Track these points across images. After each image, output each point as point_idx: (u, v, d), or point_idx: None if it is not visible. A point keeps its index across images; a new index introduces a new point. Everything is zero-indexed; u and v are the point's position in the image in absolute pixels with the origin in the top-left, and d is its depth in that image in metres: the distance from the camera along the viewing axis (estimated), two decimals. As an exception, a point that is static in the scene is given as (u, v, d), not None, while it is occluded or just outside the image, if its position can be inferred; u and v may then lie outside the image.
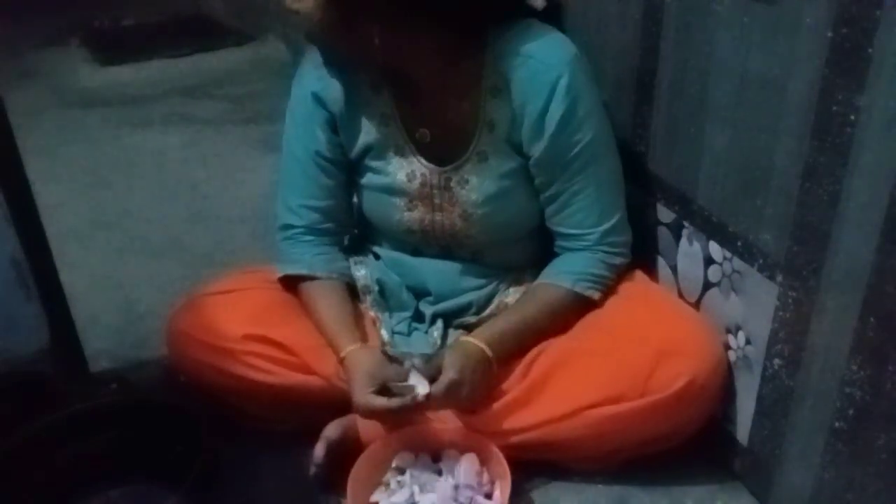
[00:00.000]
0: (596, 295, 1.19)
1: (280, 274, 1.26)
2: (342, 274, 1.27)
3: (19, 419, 1.15)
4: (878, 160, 0.81)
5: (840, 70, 0.84)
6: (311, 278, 1.24)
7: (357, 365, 1.11)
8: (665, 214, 1.22)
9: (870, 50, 0.79)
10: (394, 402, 1.07)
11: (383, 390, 1.08)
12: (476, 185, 1.19)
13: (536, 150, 1.15)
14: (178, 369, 1.25)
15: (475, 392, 1.10)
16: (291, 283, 1.26)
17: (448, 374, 1.06)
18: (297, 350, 1.17)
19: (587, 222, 1.19)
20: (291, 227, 1.27)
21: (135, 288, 1.71)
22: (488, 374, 1.11)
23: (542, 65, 1.11)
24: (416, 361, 1.09)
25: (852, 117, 0.83)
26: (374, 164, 1.23)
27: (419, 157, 1.20)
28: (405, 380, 1.08)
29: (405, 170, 1.21)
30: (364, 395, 1.08)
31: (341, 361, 1.14)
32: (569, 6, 1.37)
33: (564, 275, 1.19)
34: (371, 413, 1.09)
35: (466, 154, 1.18)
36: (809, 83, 0.88)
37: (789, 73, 0.91)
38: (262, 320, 1.19)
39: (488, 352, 1.11)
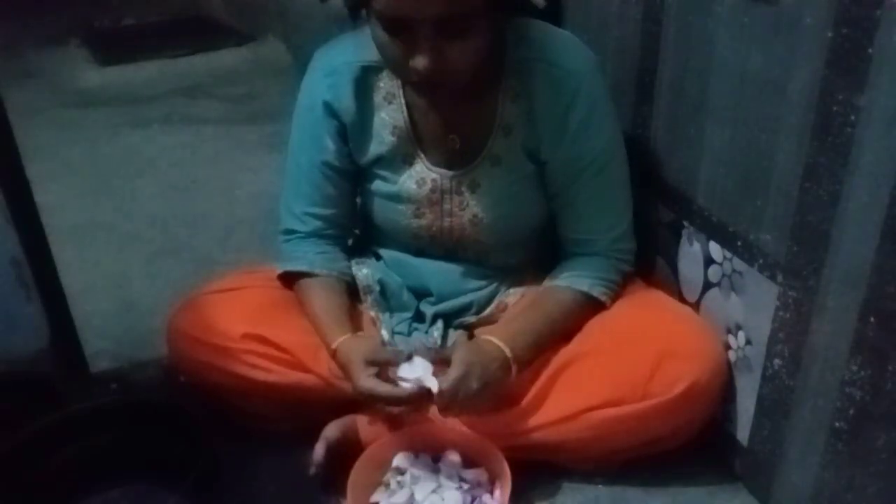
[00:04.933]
0: (608, 301, 1.19)
1: (280, 270, 1.26)
2: (342, 273, 1.26)
3: (19, 419, 1.15)
4: (878, 160, 0.81)
5: (840, 70, 0.84)
6: (310, 275, 1.24)
7: (351, 352, 1.10)
8: (665, 214, 1.22)
9: (870, 50, 0.79)
10: (398, 390, 1.04)
11: (384, 379, 1.06)
12: (487, 189, 1.19)
13: (553, 156, 1.15)
14: (177, 368, 1.25)
15: (486, 389, 1.06)
16: (291, 281, 1.26)
17: (456, 369, 1.04)
18: (294, 349, 1.17)
19: (597, 228, 1.19)
20: (294, 231, 1.27)
21: (135, 288, 1.71)
22: (506, 372, 1.09)
23: (563, 71, 1.11)
24: (419, 346, 1.06)
25: (852, 117, 0.83)
26: (383, 172, 1.22)
27: (429, 164, 1.20)
28: (404, 361, 1.06)
29: (414, 178, 1.21)
30: (366, 379, 1.05)
31: (333, 353, 1.13)
32: (569, 6, 1.37)
33: (580, 278, 1.18)
34: (373, 397, 1.06)
35: (479, 158, 1.18)
36: (809, 83, 0.88)
37: (789, 73, 0.91)
38: (261, 319, 1.19)
39: (507, 350, 1.09)
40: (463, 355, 1.06)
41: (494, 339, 1.10)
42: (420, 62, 0.99)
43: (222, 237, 1.89)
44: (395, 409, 1.09)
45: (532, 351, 1.13)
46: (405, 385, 1.04)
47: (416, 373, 1.05)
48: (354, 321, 1.21)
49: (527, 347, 1.12)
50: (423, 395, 1.04)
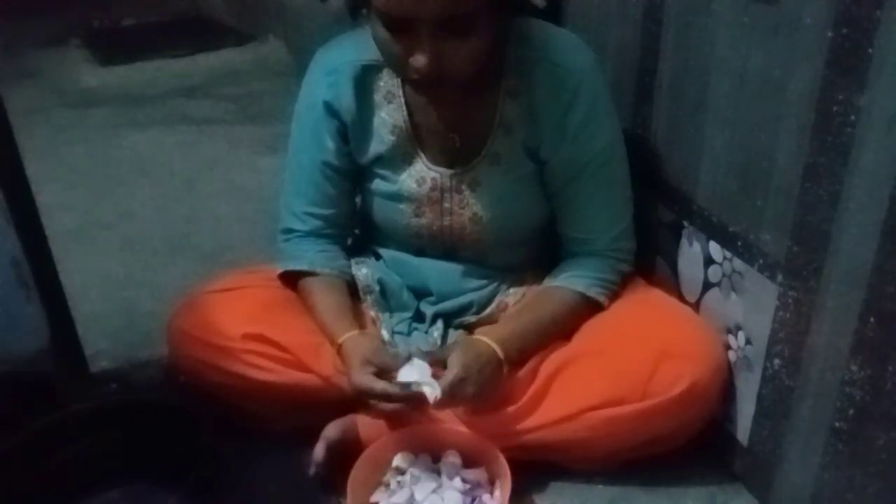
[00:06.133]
0: (605, 301, 1.19)
1: (281, 270, 1.26)
2: (343, 272, 1.27)
3: (19, 419, 1.15)
4: (878, 160, 0.81)
5: (840, 70, 0.84)
6: (312, 274, 1.24)
7: (353, 349, 1.11)
8: (665, 214, 1.22)
9: (870, 50, 0.79)
10: (393, 387, 1.05)
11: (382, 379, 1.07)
12: (487, 188, 1.19)
13: (553, 155, 1.15)
14: (178, 368, 1.25)
15: (481, 391, 1.08)
16: (292, 280, 1.26)
17: (453, 371, 1.05)
18: (294, 348, 1.17)
19: (597, 227, 1.19)
20: (294, 231, 1.27)
21: (135, 288, 1.71)
22: (497, 374, 1.10)
23: (563, 70, 1.11)
24: (415, 349, 1.07)
25: (852, 117, 0.83)
26: (383, 171, 1.23)
27: (429, 163, 1.20)
28: (402, 365, 1.07)
29: (414, 177, 1.21)
30: (362, 376, 1.07)
31: (339, 349, 1.14)
32: (569, 6, 1.37)
33: (577, 278, 1.18)
34: (367, 394, 1.07)
35: (479, 156, 1.18)
36: (809, 83, 0.88)
37: (789, 73, 0.91)
38: (261, 319, 1.19)
39: (499, 352, 1.10)
40: (459, 358, 1.07)
41: (487, 339, 1.11)
42: (420, 61, 0.99)
43: (222, 237, 1.89)
44: (389, 407, 1.09)
45: (526, 352, 1.14)
46: (397, 385, 1.05)
47: (415, 376, 1.05)
48: (358, 319, 1.21)
49: (520, 348, 1.13)
50: (416, 396, 1.05)
